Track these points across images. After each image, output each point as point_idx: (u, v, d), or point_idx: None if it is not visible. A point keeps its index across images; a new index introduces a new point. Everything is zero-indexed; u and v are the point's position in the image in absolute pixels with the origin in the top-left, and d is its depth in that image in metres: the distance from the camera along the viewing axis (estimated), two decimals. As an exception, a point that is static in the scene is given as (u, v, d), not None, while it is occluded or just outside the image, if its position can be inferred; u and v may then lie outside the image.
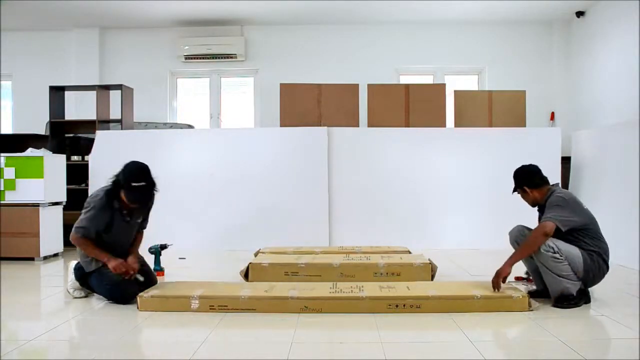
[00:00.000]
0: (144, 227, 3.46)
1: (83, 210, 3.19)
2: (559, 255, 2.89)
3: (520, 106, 6.05)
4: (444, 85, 6.26)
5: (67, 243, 5.28)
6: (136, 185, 3.07)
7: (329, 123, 5.78)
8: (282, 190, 5.46)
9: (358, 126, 5.99)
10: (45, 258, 4.90)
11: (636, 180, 4.54)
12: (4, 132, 7.12)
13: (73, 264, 3.34)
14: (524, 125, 6.04)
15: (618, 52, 6.05)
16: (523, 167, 3.22)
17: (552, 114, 7.20)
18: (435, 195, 5.51)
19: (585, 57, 6.81)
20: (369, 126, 5.96)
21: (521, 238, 3.11)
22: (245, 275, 3.68)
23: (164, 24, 7.39)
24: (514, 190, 3.22)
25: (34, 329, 2.70)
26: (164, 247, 4.04)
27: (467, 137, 5.68)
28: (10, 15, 6.75)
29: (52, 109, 6.13)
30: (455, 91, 6.19)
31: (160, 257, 4.02)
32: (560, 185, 3.13)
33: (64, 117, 6.27)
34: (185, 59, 7.39)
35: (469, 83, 7.69)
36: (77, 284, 3.30)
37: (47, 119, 6.19)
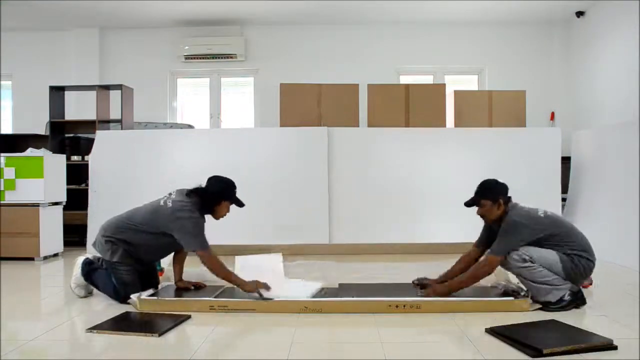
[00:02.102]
0: None
1: (184, 227, 3.07)
2: (530, 263, 2.85)
3: (520, 106, 6.06)
4: (444, 85, 6.26)
5: (67, 243, 5.30)
6: (236, 192, 3.28)
7: (329, 123, 5.78)
8: (282, 190, 5.45)
9: (358, 126, 5.99)
10: (45, 258, 4.90)
11: (636, 180, 4.54)
12: (4, 132, 7.12)
13: (81, 258, 3.31)
14: (524, 125, 6.04)
15: (618, 52, 6.05)
16: (496, 180, 3.13)
17: (552, 114, 7.20)
18: (435, 195, 5.50)
19: (585, 57, 6.81)
20: (369, 126, 5.96)
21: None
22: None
23: (164, 24, 7.39)
24: (479, 201, 3.08)
25: (34, 329, 2.69)
26: (164, 247, 4.02)
27: (467, 137, 5.68)
28: (10, 15, 6.75)
29: (52, 109, 6.13)
30: (455, 91, 6.19)
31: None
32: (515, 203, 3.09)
33: (64, 117, 6.27)
34: (185, 59, 7.39)
35: (469, 83, 7.69)
36: (81, 279, 3.26)
37: (47, 119, 6.18)
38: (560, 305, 2.86)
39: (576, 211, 5.57)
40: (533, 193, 5.43)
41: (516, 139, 5.63)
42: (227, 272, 3.07)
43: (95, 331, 2.54)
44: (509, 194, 3.08)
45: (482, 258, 3.06)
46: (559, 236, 2.91)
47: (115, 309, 3.00)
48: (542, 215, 2.97)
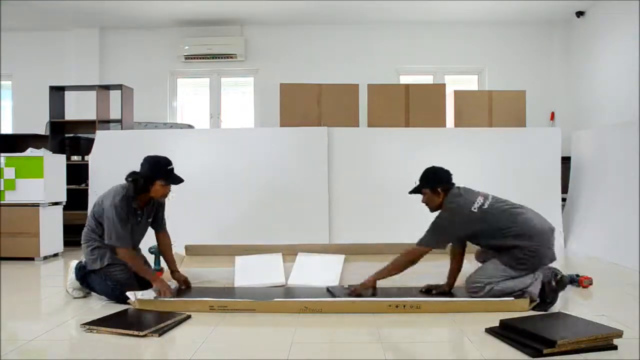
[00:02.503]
0: (165, 227, 3.47)
1: (107, 218, 3.09)
2: (476, 285, 2.92)
3: (520, 106, 6.06)
4: (444, 85, 6.27)
5: (67, 243, 5.30)
6: (172, 167, 3.22)
7: (329, 123, 5.78)
8: (282, 190, 5.45)
9: (358, 126, 5.99)
10: (45, 258, 4.90)
11: (636, 180, 4.54)
12: (4, 132, 7.12)
13: (74, 263, 3.32)
14: (524, 125, 6.04)
15: (618, 52, 6.05)
16: (441, 168, 3.19)
17: (552, 114, 7.20)
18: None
19: (585, 57, 6.81)
20: (369, 126, 5.96)
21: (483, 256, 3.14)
22: None
23: (164, 24, 7.39)
24: (420, 189, 3.14)
25: (34, 329, 2.69)
26: (164, 247, 4.02)
27: (467, 137, 5.68)
28: (10, 15, 6.75)
29: (52, 109, 6.13)
30: (455, 91, 6.19)
31: (160, 257, 4.01)
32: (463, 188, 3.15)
33: (64, 117, 6.27)
34: (186, 59, 7.39)
35: (469, 83, 7.69)
36: (77, 283, 3.27)
37: (47, 119, 6.18)
38: (541, 308, 2.84)
39: (576, 211, 5.57)
40: (533, 193, 5.44)
41: (516, 139, 5.63)
42: (143, 269, 3.17)
43: (94, 330, 2.54)
44: (452, 182, 3.14)
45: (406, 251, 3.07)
46: (488, 231, 2.94)
47: (115, 307, 3.00)
48: (475, 209, 2.97)
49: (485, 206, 2.98)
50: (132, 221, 3.20)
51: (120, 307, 2.98)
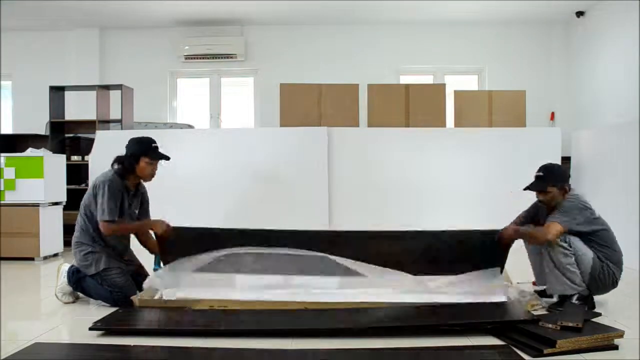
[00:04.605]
0: (149, 216, 3.45)
1: (97, 195, 3.12)
2: (569, 249, 2.84)
3: (520, 106, 6.05)
4: (444, 85, 6.26)
5: (67, 243, 5.29)
6: (157, 145, 3.28)
7: (329, 123, 5.78)
8: (282, 190, 5.45)
9: (358, 126, 5.99)
10: (45, 258, 4.90)
11: (636, 180, 4.54)
12: (4, 132, 7.12)
13: (65, 267, 3.25)
14: (524, 125, 6.04)
15: (618, 52, 6.05)
16: (559, 165, 3.10)
17: (552, 114, 7.20)
18: (435, 196, 5.51)
19: (585, 57, 6.80)
20: (369, 126, 5.96)
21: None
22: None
23: (164, 24, 7.39)
24: (546, 186, 3.03)
25: (34, 329, 2.69)
26: (163, 247, 4.01)
27: (467, 137, 5.68)
28: (10, 15, 6.75)
29: (52, 109, 6.13)
30: (455, 91, 6.19)
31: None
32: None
33: (64, 117, 6.27)
34: (185, 59, 7.39)
35: (469, 83, 7.69)
36: (67, 288, 3.20)
37: (47, 119, 6.19)
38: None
39: (576, 211, 5.56)
40: (533, 193, 5.45)
41: (516, 139, 5.63)
42: (133, 226, 3.27)
43: (101, 327, 2.53)
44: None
45: (545, 225, 2.94)
46: (606, 237, 2.94)
47: (111, 308, 2.99)
48: (596, 211, 2.99)
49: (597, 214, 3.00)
50: (124, 201, 3.21)
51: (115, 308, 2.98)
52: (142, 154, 3.22)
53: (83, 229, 3.21)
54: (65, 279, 3.21)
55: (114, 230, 3.12)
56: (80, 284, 3.19)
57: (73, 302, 3.23)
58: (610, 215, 4.86)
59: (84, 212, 3.23)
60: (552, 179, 3.01)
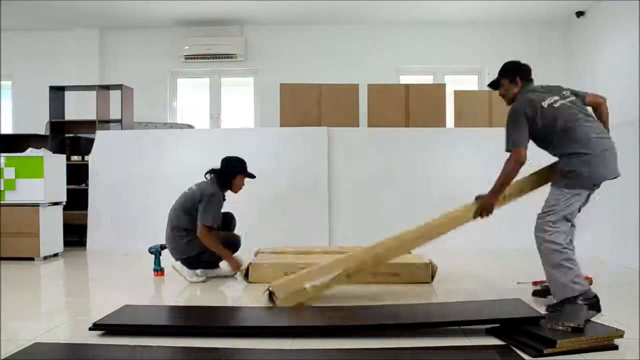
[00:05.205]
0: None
1: (203, 206, 3.65)
2: (550, 210, 2.85)
3: (520, 106, 6.04)
4: (444, 85, 6.26)
5: (67, 243, 5.30)
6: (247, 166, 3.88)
7: (329, 123, 5.78)
8: (282, 190, 5.45)
9: (358, 126, 5.99)
10: (45, 258, 4.90)
11: (636, 180, 4.54)
12: (4, 132, 7.12)
13: (178, 263, 3.78)
14: (524, 125, 6.03)
15: (618, 52, 6.05)
16: (519, 62, 3.19)
17: (552, 114, 7.19)
18: (435, 196, 5.49)
19: (585, 57, 6.81)
20: (369, 126, 5.96)
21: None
22: (246, 274, 3.70)
23: (164, 24, 7.39)
24: (501, 79, 3.19)
25: (34, 329, 2.69)
26: (163, 247, 4.03)
27: (467, 137, 5.68)
28: (10, 15, 6.75)
29: (52, 109, 6.13)
30: (455, 91, 6.19)
31: (160, 258, 4.02)
32: None
33: (64, 117, 6.27)
34: (186, 59, 7.39)
35: (469, 83, 7.70)
36: (192, 271, 3.73)
37: (47, 119, 6.18)
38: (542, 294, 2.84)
39: (576, 211, 5.56)
40: (533, 193, 5.44)
41: (516, 139, 5.62)
42: (218, 248, 3.68)
43: (101, 327, 2.54)
44: (531, 77, 3.12)
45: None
46: (554, 130, 2.87)
47: (113, 306, 2.99)
48: (545, 105, 2.91)
49: (556, 105, 2.90)
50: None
51: (119, 304, 2.98)
52: (240, 171, 3.83)
53: (181, 226, 3.78)
54: (186, 268, 3.73)
55: (208, 237, 3.64)
56: (196, 263, 3.74)
57: (204, 281, 3.73)
58: (611, 216, 4.87)
59: (183, 211, 3.77)
60: (503, 73, 3.19)
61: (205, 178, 3.85)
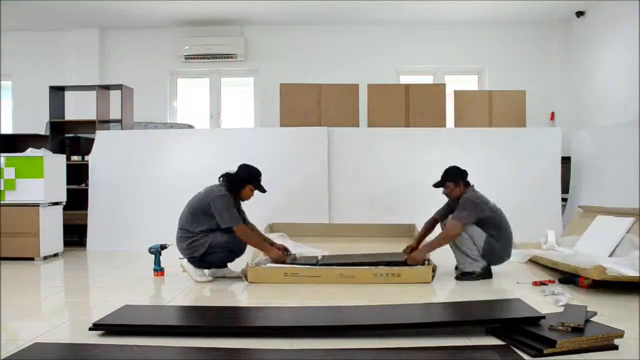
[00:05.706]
0: (247, 218, 4.03)
1: (216, 212, 3.63)
2: (466, 234, 3.65)
3: (520, 106, 6.05)
4: (444, 85, 6.26)
5: (67, 243, 5.30)
6: (261, 178, 3.88)
7: (329, 123, 5.78)
8: (282, 190, 5.45)
9: (358, 126, 5.99)
10: (45, 258, 4.90)
11: (636, 180, 4.55)
12: (4, 132, 7.12)
13: (185, 261, 3.77)
14: (524, 125, 6.04)
15: (618, 52, 6.05)
16: (458, 167, 3.96)
17: (552, 114, 7.20)
18: (435, 196, 5.49)
19: (585, 57, 6.81)
20: (369, 126, 5.96)
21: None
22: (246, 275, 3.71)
23: (164, 24, 7.39)
24: (445, 183, 3.92)
25: (34, 329, 2.69)
26: (163, 247, 4.04)
27: (467, 137, 5.68)
28: (10, 15, 6.75)
29: (52, 109, 6.13)
30: (455, 91, 6.19)
31: (160, 257, 4.02)
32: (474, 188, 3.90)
33: (64, 117, 6.27)
34: (186, 59, 7.39)
35: (469, 83, 7.70)
36: (199, 271, 3.74)
37: (47, 119, 6.19)
38: (472, 277, 3.67)
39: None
40: (533, 193, 5.45)
41: (516, 139, 5.63)
42: (258, 242, 3.88)
43: (101, 327, 2.53)
44: (468, 180, 3.92)
45: (447, 224, 3.75)
46: (495, 220, 3.72)
47: (113, 306, 2.99)
48: (491, 202, 3.80)
49: (492, 203, 3.82)
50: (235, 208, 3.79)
51: (120, 303, 2.98)
52: (250, 182, 3.82)
53: (186, 229, 3.78)
54: (192, 267, 3.74)
55: (240, 233, 3.68)
56: (204, 262, 3.73)
57: (210, 281, 3.75)
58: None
59: (193, 212, 3.76)
60: (448, 177, 3.92)
61: (219, 181, 3.82)
